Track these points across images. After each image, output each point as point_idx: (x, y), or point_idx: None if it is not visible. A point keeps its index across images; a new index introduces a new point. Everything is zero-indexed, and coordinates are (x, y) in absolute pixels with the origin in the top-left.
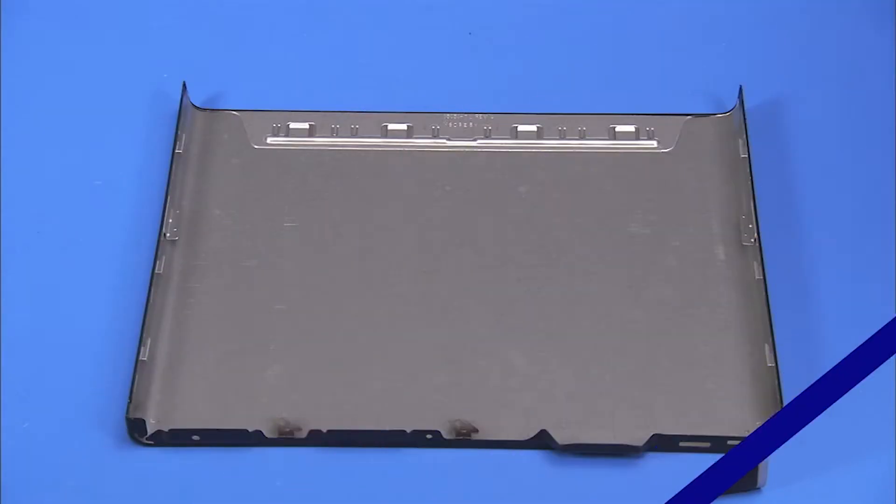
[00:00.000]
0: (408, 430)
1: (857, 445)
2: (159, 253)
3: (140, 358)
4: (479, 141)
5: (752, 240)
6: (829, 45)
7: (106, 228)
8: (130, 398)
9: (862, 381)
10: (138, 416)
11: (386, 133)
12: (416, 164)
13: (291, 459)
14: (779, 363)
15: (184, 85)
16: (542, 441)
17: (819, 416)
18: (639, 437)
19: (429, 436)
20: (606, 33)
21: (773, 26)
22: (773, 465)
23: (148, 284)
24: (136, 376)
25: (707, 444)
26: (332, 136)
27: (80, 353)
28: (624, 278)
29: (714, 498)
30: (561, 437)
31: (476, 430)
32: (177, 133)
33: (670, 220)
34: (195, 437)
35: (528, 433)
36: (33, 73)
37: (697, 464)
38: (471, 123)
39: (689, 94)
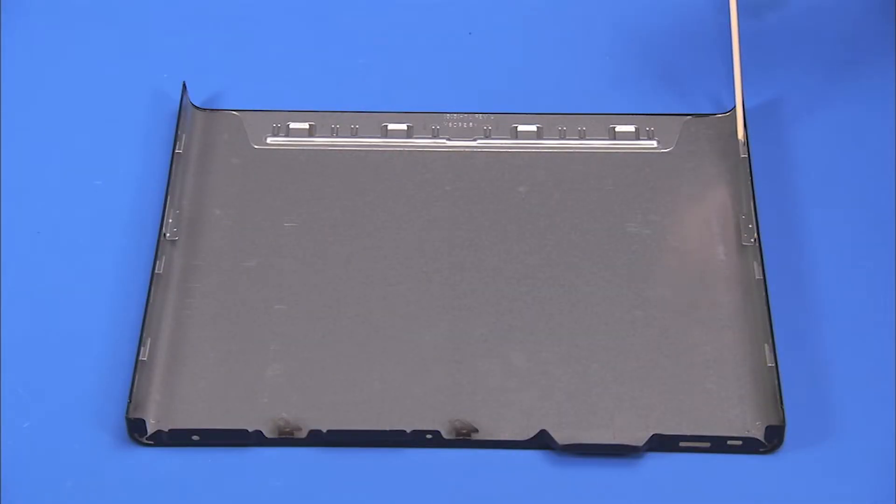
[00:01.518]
0: (408, 430)
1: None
2: (159, 253)
3: (140, 358)
4: (479, 141)
5: (752, 240)
6: (829, 45)
7: (106, 228)
8: (130, 398)
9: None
10: (138, 416)
11: (386, 133)
12: (416, 164)
13: (291, 459)
14: (779, 363)
15: (184, 85)
16: (541, 441)
17: (839, 380)
18: (639, 437)
19: (429, 436)
20: (606, 33)
21: (773, 26)
22: (792, 430)
23: (148, 284)
24: (136, 376)
25: (707, 444)
26: (332, 136)
27: (80, 353)
28: (624, 278)
29: None
30: (561, 437)
31: (476, 430)
32: (177, 133)
33: (670, 220)
34: (195, 437)
35: (527, 433)
36: (33, 74)
37: (697, 464)
38: (471, 123)
39: (689, 94)
